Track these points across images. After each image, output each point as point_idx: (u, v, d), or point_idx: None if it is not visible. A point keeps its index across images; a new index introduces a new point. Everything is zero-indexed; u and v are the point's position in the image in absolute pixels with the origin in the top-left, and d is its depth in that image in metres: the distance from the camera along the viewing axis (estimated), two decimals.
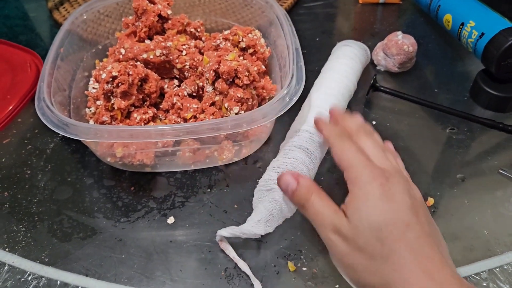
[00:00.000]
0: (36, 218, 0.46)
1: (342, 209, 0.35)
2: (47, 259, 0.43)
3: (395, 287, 0.31)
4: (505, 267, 0.42)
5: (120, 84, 0.46)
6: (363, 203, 0.34)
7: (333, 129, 0.41)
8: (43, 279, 0.41)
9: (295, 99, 0.45)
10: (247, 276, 0.41)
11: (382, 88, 0.57)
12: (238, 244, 0.43)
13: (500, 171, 0.49)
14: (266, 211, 0.42)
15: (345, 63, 0.56)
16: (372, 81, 0.56)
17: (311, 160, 0.45)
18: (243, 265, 0.41)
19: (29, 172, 0.50)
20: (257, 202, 0.44)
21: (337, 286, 0.40)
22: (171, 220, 0.45)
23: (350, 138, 0.39)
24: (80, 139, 0.43)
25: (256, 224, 0.41)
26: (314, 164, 0.46)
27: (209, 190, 0.48)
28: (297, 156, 0.45)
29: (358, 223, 0.33)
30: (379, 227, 0.33)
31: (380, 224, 0.33)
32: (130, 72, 0.47)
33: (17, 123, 0.56)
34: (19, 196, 0.48)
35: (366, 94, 0.57)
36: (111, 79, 0.46)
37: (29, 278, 0.41)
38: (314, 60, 0.63)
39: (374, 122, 0.55)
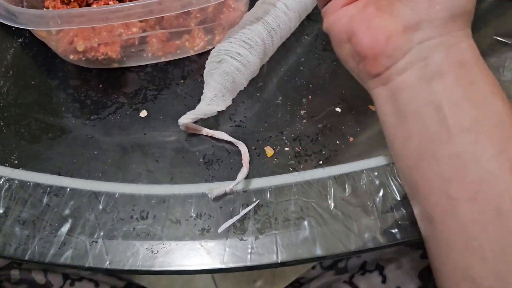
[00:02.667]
0: (2, 123, 0.43)
1: None
2: (16, 162, 0.40)
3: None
4: None
5: None
6: None
7: None
8: (15, 181, 0.39)
9: None
10: (227, 160, 0.39)
11: None
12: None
13: (495, 37, 0.45)
14: (218, 85, 0.39)
15: None
16: None
17: (269, 35, 0.42)
18: (221, 134, 0.39)
19: None
20: (207, 75, 0.41)
21: (320, 162, 0.39)
22: (143, 113, 0.43)
23: None
24: (32, 29, 0.39)
25: (212, 101, 0.39)
26: (273, 40, 0.42)
27: (182, 81, 0.45)
28: (255, 28, 0.41)
29: None
30: None
31: None
32: None
33: None
34: None
35: None
36: None
37: (1, 182, 0.39)
38: None
39: None
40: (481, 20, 0.47)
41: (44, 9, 0.48)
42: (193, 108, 0.42)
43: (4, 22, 0.38)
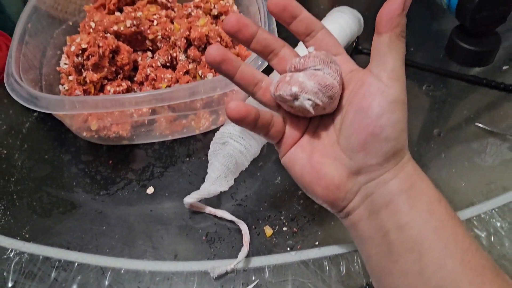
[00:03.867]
0: (15, 196, 0.45)
1: None
2: (28, 235, 0.42)
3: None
4: (482, 216, 0.42)
5: (90, 56, 0.46)
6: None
7: None
8: (25, 254, 0.41)
9: None
10: (229, 238, 0.41)
11: (365, 51, 0.56)
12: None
13: (477, 124, 0.49)
14: (222, 167, 0.42)
15: (333, 29, 0.54)
16: (354, 44, 0.56)
17: None
18: (223, 213, 0.42)
19: (5, 152, 0.49)
20: (212, 155, 0.44)
21: (316, 243, 0.41)
22: (150, 190, 0.45)
23: None
24: (52, 113, 0.42)
25: (215, 181, 0.42)
26: None
27: (187, 159, 0.48)
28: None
29: None
30: None
31: None
32: (100, 44, 0.46)
33: None
34: None
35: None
36: (80, 52, 0.45)
37: (11, 255, 0.41)
38: None
39: None
40: (463, 107, 0.51)
41: (61, 86, 0.52)
42: (197, 185, 0.45)
43: (26, 105, 0.42)
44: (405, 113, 0.30)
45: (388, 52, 0.29)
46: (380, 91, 0.28)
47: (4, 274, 0.40)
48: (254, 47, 0.32)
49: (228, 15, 0.31)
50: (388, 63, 0.29)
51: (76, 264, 0.41)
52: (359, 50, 0.56)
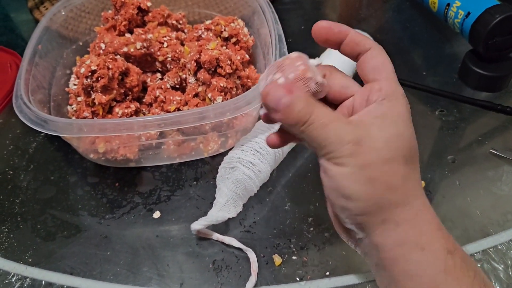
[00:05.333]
0: (19, 219, 0.45)
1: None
2: (30, 259, 0.42)
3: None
4: (499, 247, 0.41)
5: (99, 78, 0.45)
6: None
7: None
8: (27, 279, 0.40)
9: None
10: (236, 266, 0.40)
11: None
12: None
13: (492, 150, 0.48)
14: (230, 192, 0.41)
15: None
16: None
17: None
18: (231, 240, 0.41)
19: (11, 172, 0.49)
20: (220, 180, 0.43)
21: (327, 273, 0.40)
22: (157, 214, 0.44)
23: None
24: (60, 135, 0.42)
25: (223, 207, 0.41)
26: (283, 149, 0.45)
27: (195, 182, 0.47)
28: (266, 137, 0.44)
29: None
30: None
31: None
32: (110, 66, 0.46)
33: None
34: (1, 197, 0.47)
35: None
36: (90, 74, 0.45)
37: (13, 280, 0.40)
38: (299, 49, 0.60)
39: None
40: (477, 133, 0.50)
41: (69, 107, 0.51)
42: (205, 210, 0.44)
43: (35, 128, 0.41)
44: None
45: None
46: None
47: None
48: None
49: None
50: None
51: None
52: None
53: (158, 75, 0.53)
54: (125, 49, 0.50)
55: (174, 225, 0.43)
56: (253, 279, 0.38)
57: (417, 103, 0.54)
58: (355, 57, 0.32)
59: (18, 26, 0.71)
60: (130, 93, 0.49)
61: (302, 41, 0.64)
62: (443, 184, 0.46)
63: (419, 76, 0.58)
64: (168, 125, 0.41)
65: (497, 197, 0.44)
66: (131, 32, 0.54)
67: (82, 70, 0.45)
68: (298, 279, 0.39)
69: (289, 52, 0.47)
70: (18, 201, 0.46)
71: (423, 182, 0.46)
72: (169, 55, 0.51)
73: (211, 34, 0.53)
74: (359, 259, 0.40)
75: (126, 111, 0.47)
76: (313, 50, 0.60)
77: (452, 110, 0.53)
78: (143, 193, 0.46)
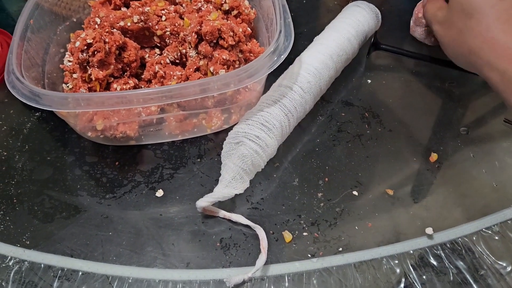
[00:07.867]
0: (15, 200, 0.43)
1: None
2: (28, 242, 0.40)
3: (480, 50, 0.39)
4: None
5: (96, 52, 0.43)
6: None
7: None
8: (26, 263, 0.38)
9: (284, 56, 0.41)
10: (245, 244, 0.38)
11: (383, 46, 0.53)
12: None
13: (505, 120, 0.46)
14: (237, 168, 0.40)
15: (350, 23, 0.52)
16: (372, 39, 0.53)
17: (286, 117, 0.43)
18: (238, 217, 0.39)
19: (5, 153, 0.47)
20: (225, 156, 0.41)
21: (340, 249, 0.38)
22: (160, 193, 0.42)
23: None
24: (56, 111, 0.40)
25: (229, 183, 0.39)
26: (290, 123, 0.43)
27: (199, 160, 0.45)
28: (272, 111, 0.42)
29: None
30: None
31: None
32: (106, 40, 0.44)
33: None
34: None
35: (367, 54, 0.54)
36: (85, 47, 0.43)
37: (11, 263, 0.38)
38: (302, 23, 0.59)
39: (369, 81, 0.52)
40: (488, 104, 0.49)
41: (64, 85, 0.49)
42: (210, 188, 0.42)
43: (28, 103, 0.39)
44: None
45: None
46: None
47: (3, 284, 0.37)
48: None
49: None
50: None
51: (80, 273, 0.38)
52: (377, 45, 0.54)
53: (157, 50, 0.51)
54: (122, 23, 0.47)
55: (178, 204, 0.42)
56: (263, 256, 0.37)
57: (426, 75, 0.52)
58: None
59: (8, 6, 0.68)
60: (128, 68, 0.47)
61: (305, 15, 0.62)
62: (456, 156, 0.44)
63: (427, 48, 0.56)
64: (169, 98, 0.39)
65: None
66: (127, 6, 0.52)
67: (77, 44, 0.43)
68: (310, 255, 0.38)
69: (294, 24, 0.45)
70: (13, 182, 0.44)
71: (435, 155, 0.44)
72: (168, 29, 0.49)
73: (211, 7, 0.51)
74: (372, 234, 0.39)
75: (124, 87, 0.45)
76: (315, 24, 0.59)
77: (463, 82, 0.51)
78: (144, 171, 0.44)
